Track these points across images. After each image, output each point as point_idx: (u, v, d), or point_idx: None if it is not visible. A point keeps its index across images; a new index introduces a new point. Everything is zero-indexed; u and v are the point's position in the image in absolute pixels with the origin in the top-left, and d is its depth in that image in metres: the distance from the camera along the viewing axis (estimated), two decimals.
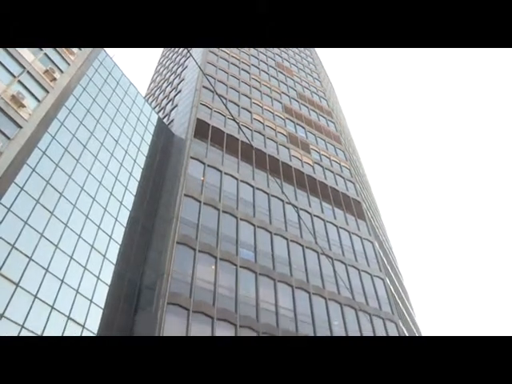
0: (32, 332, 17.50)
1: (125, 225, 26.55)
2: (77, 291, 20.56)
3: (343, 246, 35.05)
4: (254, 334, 23.28)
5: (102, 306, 21.91)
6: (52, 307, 18.83)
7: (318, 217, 35.86)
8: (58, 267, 20.07)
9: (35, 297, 18.26)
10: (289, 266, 29.15)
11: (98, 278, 22.37)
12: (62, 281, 19.97)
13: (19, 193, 19.65)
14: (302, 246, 31.61)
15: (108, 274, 23.29)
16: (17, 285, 17.72)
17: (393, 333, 31.70)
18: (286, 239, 30.94)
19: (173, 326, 20.95)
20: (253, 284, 25.89)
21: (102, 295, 22.21)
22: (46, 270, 19.34)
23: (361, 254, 35.93)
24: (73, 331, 19.36)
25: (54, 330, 18.47)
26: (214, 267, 24.78)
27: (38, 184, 20.99)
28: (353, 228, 37.96)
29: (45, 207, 20.76)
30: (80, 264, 21.52)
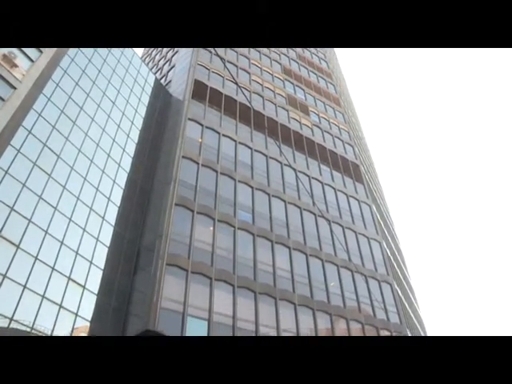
0: (34, 292, 17.79)
1: (123, 187, 26.57)
2: (76, 252, 20.77)
3: (341, 208, 35.25)
4: (252, 294, 23.71)
5: (102, 267, 22.19)
6: (53, 268, 19.07)
7: (316, 179, 35.91)
8: (58, 229, 20.21)
9: (36, 258, 18.45)
10: (286, 227, 29.40)
11: (98, 239, 22.57)
12: (62, 242, 20.14)
13: (16, 155, 19.55)
14: (300, 208, 31.79)
15: (107, 236, 23.48)
16: (17, 246, 17.87)
17: (387, 294, 32.30)
18: (284, 201, 31.09)
19: (172, 286, 21.30)
20: (250, 245, 26.18)
21: (101, 256, 22.46)
22: (46, 231, 19.47)
23: (358, 216, 36.19)
24: (74, 291, 19.68)
25: (55, 291, 18.76)
26: (212, 229, 24.99)
27: (35, 146, 20.85)
28: (350, 191, 38.09)
29: (42, 169, 20.71)
30: (79, 226, 21.66)
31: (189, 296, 21.13)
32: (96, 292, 21.10)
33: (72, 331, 19.14)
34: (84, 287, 20.37)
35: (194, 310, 21.02)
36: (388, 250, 37.98)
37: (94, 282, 21.28)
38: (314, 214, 32.26)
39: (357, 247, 33.18)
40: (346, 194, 37.07)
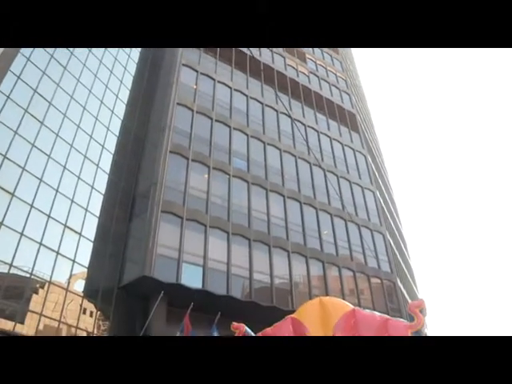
0: (31, 239, 17.96)
1: (117, 134, 26.33)
2: (72, 200, 20.82)
3: (336, 157, 35.22)
4: (246, 242, 24.05)
5: (98, 215, 22.33)
6: (49, 216, 19.16)
7: (311, 128, 35.64)
8: (52, 177, 20.15)
9: (31, 206, 18.51)
10: (281, 176, 29.45)
11: (93, 187, 22.58)
12: (57, 190, 20.13)
13: (5, 102, 19.20)
14: (295, 156, 31.73)
15: (102, 183, 23.48)
16: (12, 194, 17.88)
17: (379, 243, 32.85)
18: (279, 149, 30.98)
19: (167, 233, 21.53)
20: (245, 193, 26.29)
21: (96, 204, 22.55)
22: (40, 179, 19.42)
23: (353, 166, 36.22)
24: (70, 238, 19.88)
25: (52, 238, 18.93)
26: (206, 176, 25.01)
27: (25, 92, 20.44)
28: (346, 140, 37.94)
29: (34, 117, 20.41)
30: (73, 173, 21.59)
31: (184, 243, 21.42)
32: (92, 239, 21.34)
33: (70, 277, 19.50)
34: (80, 234, 20.56)
35: (189, 256, 21.35)
36: (381, 200, 38.30)
37: (90, 229, 21.47)
38: (309, 163, 32.25)
39: (351, 196, 33.42)
40: (341, 144, 36.93)
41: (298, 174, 30.76)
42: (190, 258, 21.40)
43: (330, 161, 34.41)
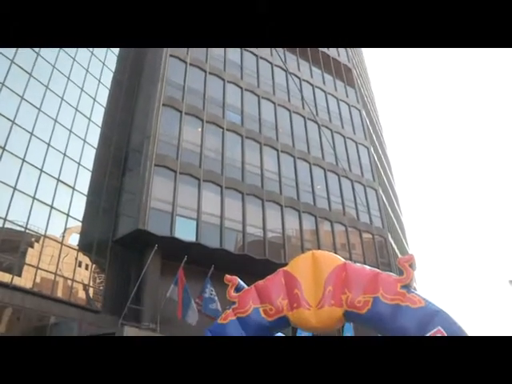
0: (25, 194, 17.90)
1: (109, 86, 25.81)
2: (64, 154, 20.62)
3: (330, 112, 34.89)
4: (239, 195, 24.15)
5: (91, 169, 22.21)
6: (41, 170, 19.03)
7: (306, 81, 35.09)
8: (44, 131, 19.83)
9: (23, 160, 18.33)
10: (275, 130, 29.24)
11: (85, 140, 22.31)
12: (49, 144, 19.89)
13: None
14: (289, 110, 31.41)
15: (94, 137, 23.19)
16: (3, 148, 17.68)
17: (372, 199, 33.08)
18: (274, 103, 30.61)
19: (160, 187, 21.54)
20: (239, 147, 26.17)
21: (89, 158, 22.36)
22: (31, 133, 19.13)
23: (347, 121, 35.96)
24: (64, 193, 19.83)
25: (45, 192, 18.88)
26: (200, 130, 24.79)
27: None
28: (341, 95, 37.47)
29: (23, 69, 19.90)
30: (65, 127, 21.26)
31: (177, 196, 21.48)
32: (86, 193, 21.30)
33: (64, 231, 19.60)
34: (73, 189, 20.50)
35: (182, 210, 21.47)
36: (375, 156, 38.28)
37: (83, 183, 21.39)
38: (304, 117, 31.97)
39: (345, 152, 33.37)
40: (336, 98, 36.49)
41: (292, 128, 30.53)
42: (183, 211, 21.53)
43: (324, 115, 34.11)
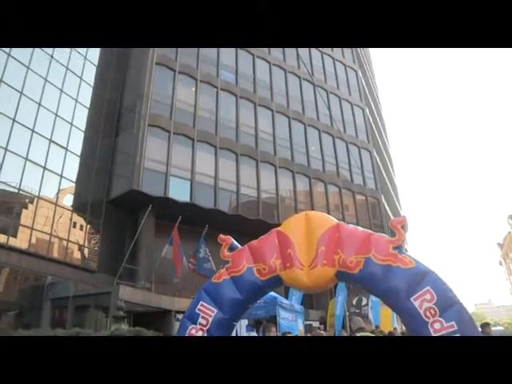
0: (17, 154, 17.74)
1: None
2: (56, 114, 20.31)
3: (326, 72, 34.37)
4: (233, 156, 24.07)
5: (83, 129, 21.95)
6: (33, 131, 18.77)
7: None
8: (34, 90, 19.46)
9: (13, 120, 18.03)
10: (270, 90, 28.86)
11: (76, 100, 21.96)
12: (40, 104, 19.55)
13: None
14: (285, 70, 30.90)
15: (86, 97, 22.83)
16: None
17: (366, 160, 33.07)
18: (269, 63, 30.07)
19: (154, 147, 21.40)
20: (233, 107, 25.88)
21: (81, 118, 22.07)
22: (21, 92, 18.78)
23: (343, 82, 35.50)
24: (56, 154, 19.66)
25: (38, 153, 18.70)
26: (194, 89, 24.41)
27: None
28: (337, 55, 36.81)
29: None
30: (56, 87, 20.87)
31: (171, 157, 21.38)
32: (79, 154, 21.13)
33: (58, 192, 19.56)
34: (66, 149, 20.32)
35: (176, 170, 21.42)
36: (370, 118, 38.02)
37: (76, 143, 21.20)
38: (299, 77, 31.51)
39: (340, 113, 33.10)
40: (332, 58, 35.87)
41: (287, 88, 30.13)
42: (177, 171, 21.48)
43: (320, 76, 33.61)
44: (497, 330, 21.65)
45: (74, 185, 20.50)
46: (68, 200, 20.48)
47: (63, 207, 19.69)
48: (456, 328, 7.83)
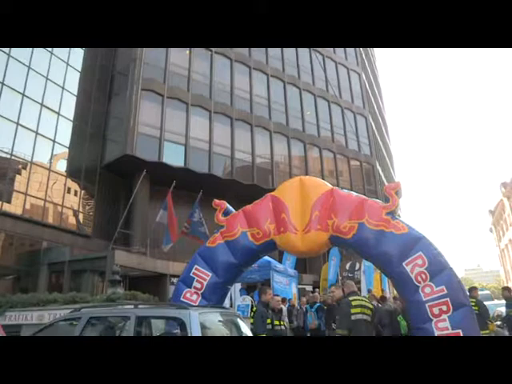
0: (8, 119, 17.45)
1: None
2: (46, 78, 19.88)
3: None
4: (228, 120, 23.88)
5: (75, 93, 21.58)
6: (23, 94, 18.41)
7: None
8: (23, 53, 18.89)
9: (2, 84, 17.63)
10: (265, 53, 28.35)
11: (68, 63, 21.49)
12: (29, 67, 19.05)
13: None
14: None
15: (78, 60, 22.34)
16: None
17: (361, 126, 32.91)
18: None
19: (148, 111, 21.16)
20: (228, 71, 25.47)
21: (73, 82, 21.64)
22: (8, 55, 18.25)
23: None
24: (49, 118, 19.38)
25: (29, 118, 18.40)
26: (187, 52, 23.95)
27: None
28: None
29: None
30: (46, 49, 20.35)
31: (165, 121, 21.18)
32: (71, 118, 20.85)
33: (51, 157, 19.39)
34: (58, 114, 20.02)
35: (170, 135, 21.25)
36: (366, 83, 37.61)
37: (69, 108, 20.85)
38: None
39: (336, 77, 32.71)
40: None
41: (282, 51, 29.62)
42: (171, 136, 21.32)
43: None
44: (483, 293, 22.46)
45: (67, 150, 20.30)
46: (62, 165, 20.33)
47: (57, 172, 19.57)
48: (446, 292, 8.00)
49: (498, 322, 10.81)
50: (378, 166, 34.92)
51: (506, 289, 10.84)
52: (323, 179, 10.87)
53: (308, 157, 27.82)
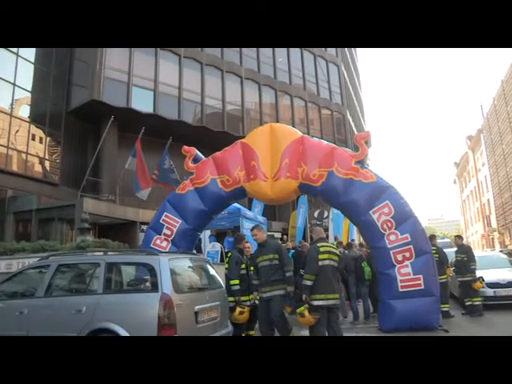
0: None
1: None
2: None
3: None
4: (198, 66, 23.23)
5: None
6: None
7: None
8: None
9: None
10: None
11: None
12: None
13: None
14: None
15: None
16: None
17: (334, 75, 32.63)
18: None
19: (115, 55, 20.32)
20: None
21: None
22: None
23: None
24: (6, 59, 18.31)
25: None
26: None
27: None
28: None
29: None
30: None
31: (133, 66, 20.45)
32: (32, 60, 19.86)
33: (13, 102, 18.58)
34: (17, 55, 18.96)
35: (139, 80, 20.61)
36: None
37: (29, 49, 19.76)
38: None
39: None
40: None
41: None
42: (140, 81, 20.70)
43: None
44: (444, 241, 23.77)
45: (29, 95, 19.47)
46: (24, 111, 19.54)
47: (20, 118, 18.82)
48: (410, 240, 8.33)
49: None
50: (349, 116, 34.99)
51: (458, 237, 11.81)
52: (294, 127, 10.85)
53: (279, 104, 27.59)
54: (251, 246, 8.12)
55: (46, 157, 19.69)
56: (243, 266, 7.17)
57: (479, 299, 10.10)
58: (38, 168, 19.40)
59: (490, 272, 11.07)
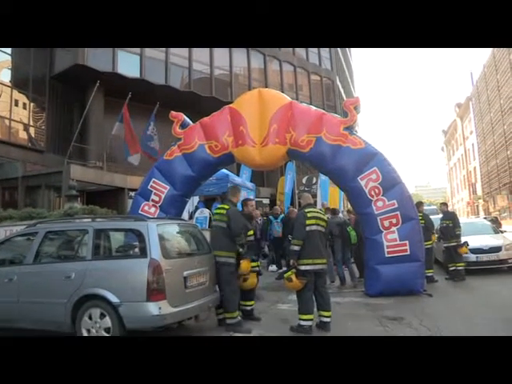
0: None
1: None
2: None
3: None
4: None
5: None
6: None
7: None
8: None
9: None
10: None
11: None
12: None
13: None
14: None
15: None
16: None
17: None
18: None
19: None
20: None
21: None
22: None
23: None
24: None
25: None
26: None
27: None
28: None
29: None
30: None
31: None
32: None
33: None
34: None
35: None
36: None
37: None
38: None
39: None
40: None
41: None
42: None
43: None
44: (430, 208, 24.12)
45: (10, 58, 18.90)
46: (6, 75, 19.01)
47: (1, 83, 18.37)
48: (396, 206, 8.42)
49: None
50: (339, 82, 34.68)
51: (443, 204, 12.18)
52: (283, 93, 10.75)
53: (268, 69, 27.21)
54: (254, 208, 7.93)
55: (31, 123, 19.31)
56: (251, 232, 6.85)
57: (462, 264, 10.36)
58: (22, 135, 19.05)
59: (473, 238, 11.30)
